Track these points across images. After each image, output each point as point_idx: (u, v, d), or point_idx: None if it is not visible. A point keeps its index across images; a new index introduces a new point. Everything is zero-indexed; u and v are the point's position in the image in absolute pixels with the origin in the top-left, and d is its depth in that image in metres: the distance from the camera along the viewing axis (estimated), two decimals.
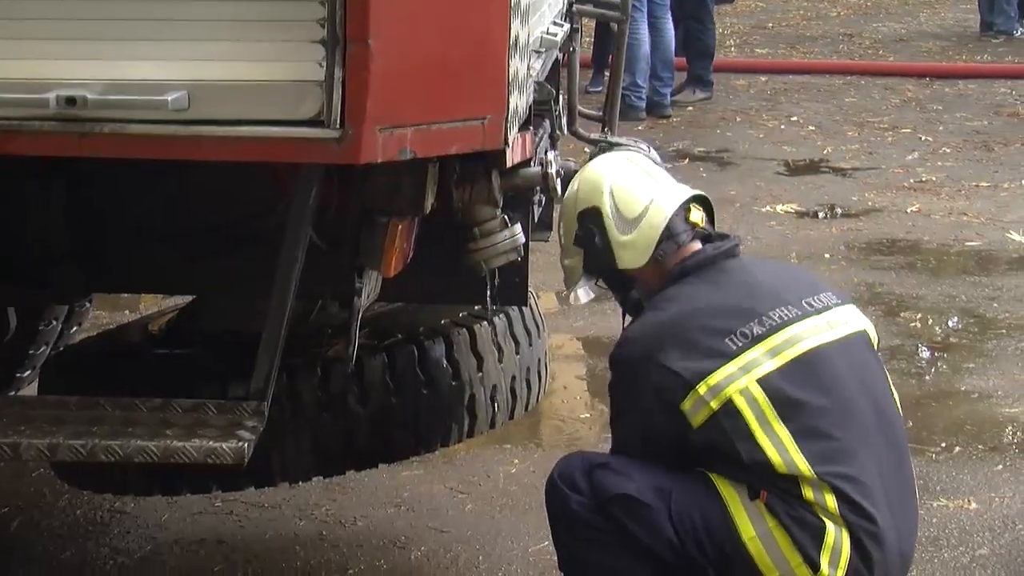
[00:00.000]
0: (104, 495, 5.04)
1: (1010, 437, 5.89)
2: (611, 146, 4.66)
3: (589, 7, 5.24)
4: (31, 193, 4.12)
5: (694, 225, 3.84)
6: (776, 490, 3.57)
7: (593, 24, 10.00)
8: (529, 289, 4.62)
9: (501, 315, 4.65)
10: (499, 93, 3.45)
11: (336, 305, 4.50)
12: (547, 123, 4.43)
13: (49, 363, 4.95)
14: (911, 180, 9.81)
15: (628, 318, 3.97)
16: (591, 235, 3.88)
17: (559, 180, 4.18)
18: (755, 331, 3.62)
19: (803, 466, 3.54)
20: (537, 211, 4.48)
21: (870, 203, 9.29)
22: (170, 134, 3.25)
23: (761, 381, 3.57)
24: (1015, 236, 8.43)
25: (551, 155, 4.21)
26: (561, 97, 4.79)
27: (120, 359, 4.54)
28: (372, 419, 4.35)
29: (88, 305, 5.71)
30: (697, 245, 3.85)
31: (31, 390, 5.28)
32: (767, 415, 3.56)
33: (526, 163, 3.95)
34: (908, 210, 9.09)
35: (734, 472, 3.60)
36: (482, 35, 3.42)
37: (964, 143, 10.78)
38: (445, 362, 4.46)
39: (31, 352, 5.41)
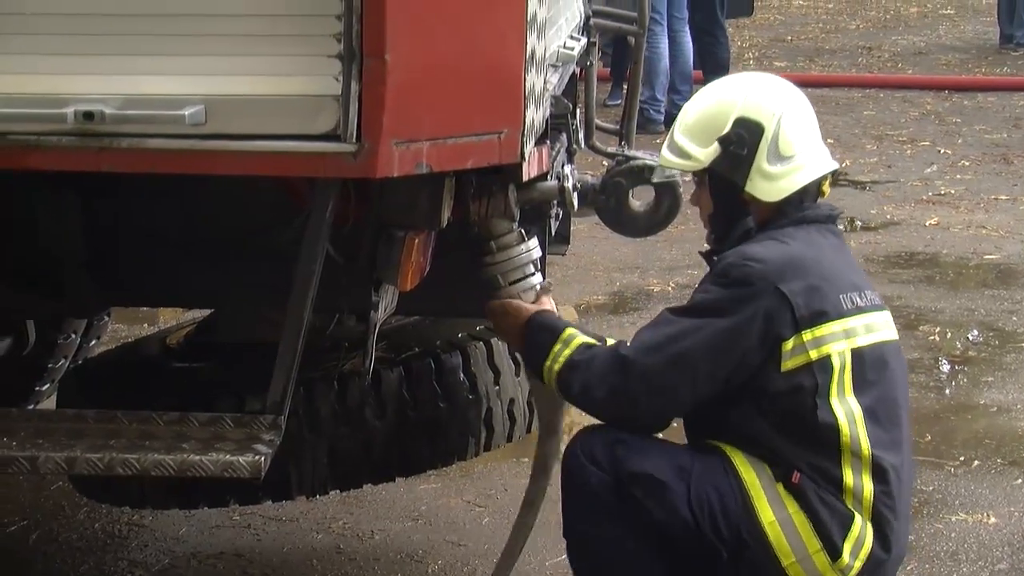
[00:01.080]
0: (122, 508, 5.05)
1: None
2: (628, 160, 4.67)
3: (607, 21, 5.24)
4: (48, 204, 4.13)
5: (822, 193, 3.84)
6: (813, 470, 3.57)
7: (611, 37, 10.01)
8: None
9: None
10: (516, 107, 3.46)
11: (353, 319, 4.50)
12: (564, 137, 4.44)
13: (67, 376, 4.97)
14: (930, 193, 9.80)
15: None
16: (740, 143, 3.72)
17: (576, 194, 4.18)
18: (858, 301, 3.67)
19: (864, 444, 3.57)
20: (554, 225, 4.48)
21: (889, 216, 9.28)
22: (187, 148, 3.27)
23: (855, 351, 3.61)
24: None
25: (568, 169, 4.22)
26: (578, 111, 4.80)
27: (138, 372, 4.56)
28: (389, 432, 4.36)
29: (106, 319, 5.72)
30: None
31: (50, 403, 5.30)
32: (846, 385, 3.59)
33: (543, 177, 3.96)
34: (927, 223, 9.08)
35: (775, 438, 3.58)
36: (499, 49, 3.43)
37: (983, 156, 10.76)
38: (462, 375, 4.46)
39: (50, 365, 5.42)
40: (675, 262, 8.11)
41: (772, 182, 3.72)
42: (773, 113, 3.73)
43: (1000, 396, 6.37)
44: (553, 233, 4.52)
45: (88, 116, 3.22)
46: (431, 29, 3.31)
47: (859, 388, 3.60)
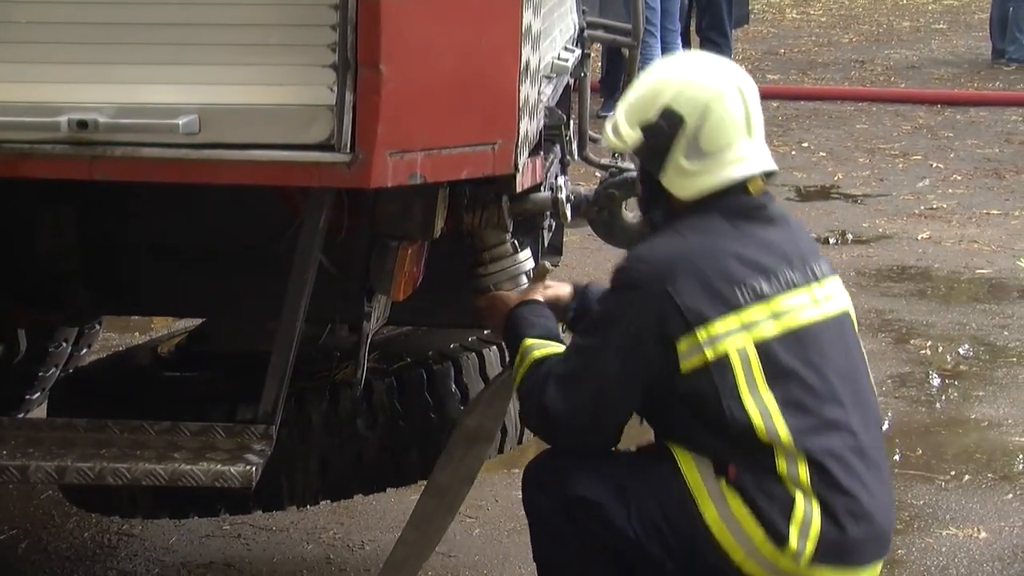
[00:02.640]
0: (112, 518, 5.04)
1: (1020, 466, 5.88)
2: (621, 172, 4.67)
3: (600, 32, 5.25)
4: (42, 213, 4.13)
5: (748, 193, 3.65)
6: (746, 463, 3.50)
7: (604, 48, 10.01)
8: None
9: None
10: (510, 118, 3.46)
11: (345, 329, 4.50)
12: (557, 148, 4.44)
13: (58, 385, 4.96)
14: (922, 207, 9.81)
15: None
16: (658, 134, 3.60)
17: (569, 205, 4.18)
18: (763, 288, 3.55)
19: (784, 435, 3.47)
20: (547, 236, 4.48)
21: (881, 230, 9.29)
22: (181, 158, 3.26)
23: (759, 343, 3.51)
24: None
25: (561, 180, 4.22)
26: (572, 122, 4.80)
27: (129, 381, 4.55)
28: (381, 443, 4.35)
29: (98, 327, 5.71)
30: None
31: (40, 412, 5.29)
32: (756, 379, 3.49)
33: (536, 188, 3.96)
34: (919, 237, 9.09)
35: (705, 436, 3.53)
36: (493, 60, 3.43)
37: (975, 171, 10.77)
38: (454, 386, 4.45)
39: (40, 374, 5.41)
40: None
41: (687, 178, 3.60)
42: (701, 106, 3.58)
43: (991, 411, 6.38)
44: (546, 244, 4.52)
45: (82, 125, 3.22)
46: (426, 40, 3.31)
47: (773, 379, 3.50)
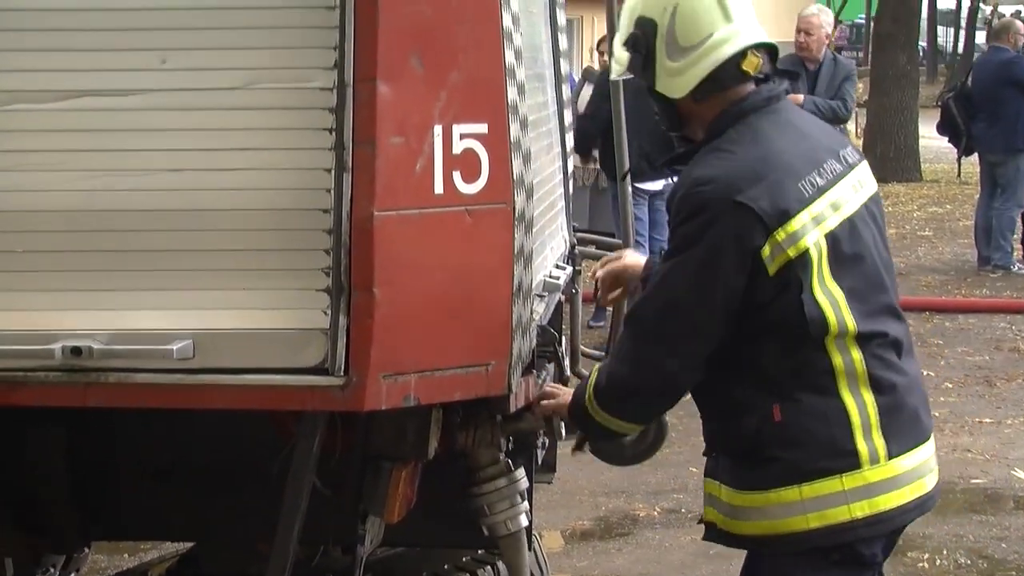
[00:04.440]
0: None
1: None
2: None
3: (591, 248, 5.30)
4: (31, 439, 4.11)
5: (745, 73, 3.59)
6: (800, 394, 3.49)
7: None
8: (532, 531, 4.58)
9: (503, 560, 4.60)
10: (503, 340, 3.48)
11: (339, 550, 4.46)
12: (550, 366, 4.44)
13: None
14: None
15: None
16: (640, 44, 3.60)
17: (562, 423, 4.18)
18: (818, 181, 3.53)
19: (851, 324, 3.48)
20: (540, 454, 4.47)
21: None
22: (175, 383, 3.27)
23: (828, 235, 3.50)
24: (1021, 474, 8.38)
25: None
26: (564, 339, 4.82)
27: None
28: None
29: (87, 551, 5.64)
30: (750, 87, 3.62)
31: None
32: (824, 273, 3.49)
33: (530, 407, 3.96)
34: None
35: (774, 349, 3.50)
36: (486, 282, 3.46)
37: (966, 378, 10.79)
38: None
39: None
40: (661, 486, 8.07)
41: (677, 77, 3.58)
42: (664, 5, 3.58)
43: None
44: (540, 461, 4.50)
45: (76, 352, 3.24)
46: (419, 263, 3.34)
47: (837, 270, 3.50)
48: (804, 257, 3.46)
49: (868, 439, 3.52)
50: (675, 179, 11.44)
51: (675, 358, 3.52)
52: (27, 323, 3.29)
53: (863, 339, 3.53)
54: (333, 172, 3.27)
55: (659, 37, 3.56)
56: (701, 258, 3.44)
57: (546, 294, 4.28)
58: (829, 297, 3.50)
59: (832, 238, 3.51)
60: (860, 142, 20.43)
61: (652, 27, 3.57)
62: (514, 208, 3.48)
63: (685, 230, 3.48)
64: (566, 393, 3.87)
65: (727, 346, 3.51)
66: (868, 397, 3.53)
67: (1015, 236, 15.03)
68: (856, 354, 3.52)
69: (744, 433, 3.53)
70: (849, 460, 3.51)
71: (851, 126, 21.81)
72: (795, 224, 3.45)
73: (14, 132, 3.32)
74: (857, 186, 3.66)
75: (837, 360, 3.51)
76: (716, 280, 3.44)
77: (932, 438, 3.75)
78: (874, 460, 3.52)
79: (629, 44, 3.62)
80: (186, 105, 3.30)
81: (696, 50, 3.54)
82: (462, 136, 3.38)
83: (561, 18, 5.33)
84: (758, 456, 3.53)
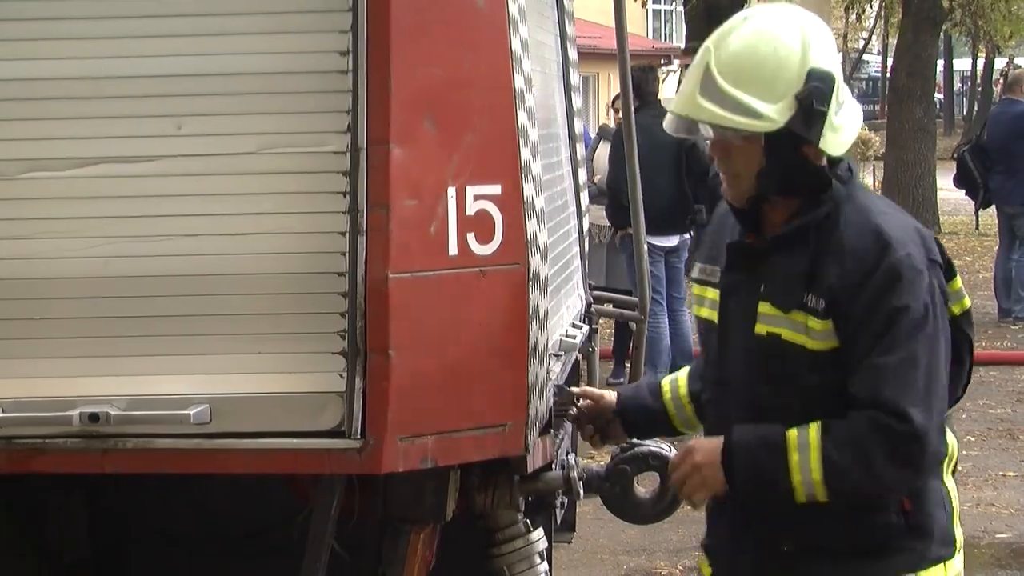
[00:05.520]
0: None
1: None
2: (633, 446, 4.66)
3: (608, 307, 5.31)
4: (52, 504, 4.11)
5: None
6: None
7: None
8: None
9: None
10: (520, 400, 3.48)
11: None
12: (568, 425, 4.44)
13: None
14: (961, 465, 9.74)
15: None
16: (820, 97, 3.24)
17: (581, 482, 4.17)
18: None
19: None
20: (559, 513, 4.45)
21: None
22: (192, 448, 3.28)
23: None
24: None
25: (572, 458, 4.21)
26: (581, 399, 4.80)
27: None
28: None
29: None
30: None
31: None
32: None
33: (547, 467, 3.95)
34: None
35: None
36: (501, 343, 3.46)
37: (988, 431, 10.74)
38: None
39: None
40: (682, 543, 8.03)
41: (838, 134, 3.30)
42: (834, 57, 3.34)
43: None
44: (559, 521, 4.49)
45: (93, 418, 3.25)
46: (434, 325, 3.35)
47: None
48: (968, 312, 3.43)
49: (958, 526, 3.43)
50: (689, 235, 11.34)
51: (939, 417, 3.32)
52: (45, 390, 3.30)
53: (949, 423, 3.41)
54: (347, 235, 3.28)
55: (836, 90, 3.29)
56: (942, 325, 3.28)
57: (562, 353, 4.28)
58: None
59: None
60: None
61: (831, 81, 3.27)
62: (528, 268, 3.48)
63: (911, 298, 3.22)
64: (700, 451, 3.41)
65: None
66: (951, 483, 3.44)
67: None
68: (951, 435, 3.41)
69: (876, 525, 3.30)
70: (950, 548, 3.39)
71: (868, 180, 21.82)
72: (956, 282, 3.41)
73: (31, 200, 3.34)
74: None
75: (950, 437, 3.39)
76: (946, 328, 3.31)
77: None
78: (959, 548, 3.42)
79: (807, 97, 3.24)
80: (201, 171, 3.32)
81: (847, 106, 3.33)
82: (476, 197, 3.40)
83: (575, 77, 5.36)
84: (883, 549, 3.32)
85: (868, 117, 31.41)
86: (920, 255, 3.25)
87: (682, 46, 13.06)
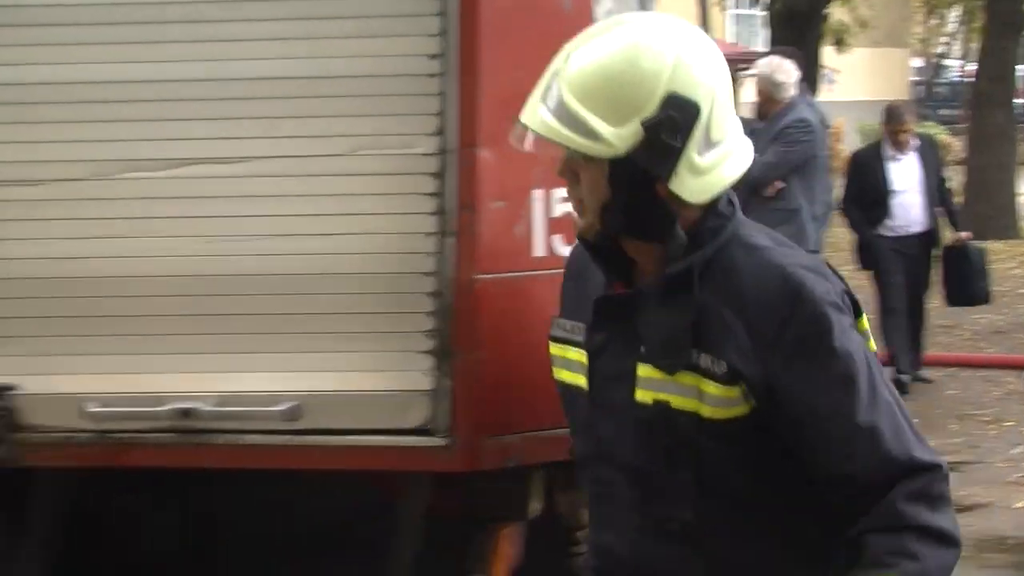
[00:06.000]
0: None
1: None
2: None
3: None
4: (144, 502, 4.17)
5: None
6: None
7: None
8: None
9: None
10: None
11: None
12: None
13: None
14: (1017, 475, 9.67)
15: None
16: (672, 128, 2.64)
17: None
18: None
19: None
20: None
21: (976, 499, 9.15)
22: (282, 444, 3.33)
23: None
24: None
25: None
26: None
27: None
28: None
29: None
30: None
31: None
32: None
33: None
34: (1015, 506, 8.94)
35: None
36: None
37: None
38: None
39: None
40: None
41: (700, 177, 2.69)
42: (710, 86, 2.69)
43: None
44: None
45: (185, 413, 3.30)
46: (519, 325, 3.37)
47: None
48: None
49: None
50: None
51: None
52: (138, 385, 3.36)
53: None
54: (436, 236, 3.32)
55: (698, 127, 2.68)
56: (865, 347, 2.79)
57: None
58: None
59: None
60: (961, 200, 20.30)
61: (694, 112, 2.66)
62: None
63: (844, 339, 2.69)
64: None
65: None
66: None
67: None
68: None
69: None
70: None
71: (951, 184, 21.67)
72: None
73: (126, 200, 3.40)
74: None
75: None
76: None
77: None
78: None
79: (656, 127, 2.64)
80: (293, 172, 3.37)
81: (722, 147, 2.72)
82: (562, 199, 3.42)
83: None
84: None
85: (948, 122, 31.23)
86: (838, 288, 2.73)
87: (765, 51, 13.01)
